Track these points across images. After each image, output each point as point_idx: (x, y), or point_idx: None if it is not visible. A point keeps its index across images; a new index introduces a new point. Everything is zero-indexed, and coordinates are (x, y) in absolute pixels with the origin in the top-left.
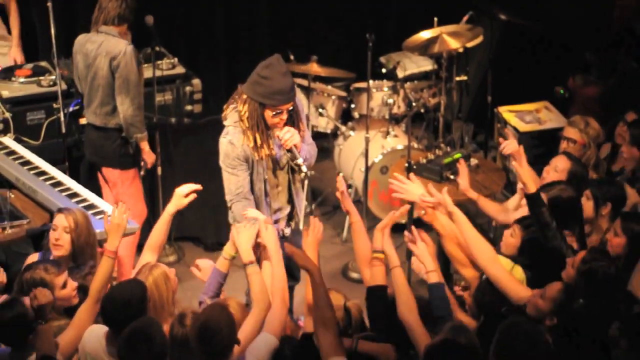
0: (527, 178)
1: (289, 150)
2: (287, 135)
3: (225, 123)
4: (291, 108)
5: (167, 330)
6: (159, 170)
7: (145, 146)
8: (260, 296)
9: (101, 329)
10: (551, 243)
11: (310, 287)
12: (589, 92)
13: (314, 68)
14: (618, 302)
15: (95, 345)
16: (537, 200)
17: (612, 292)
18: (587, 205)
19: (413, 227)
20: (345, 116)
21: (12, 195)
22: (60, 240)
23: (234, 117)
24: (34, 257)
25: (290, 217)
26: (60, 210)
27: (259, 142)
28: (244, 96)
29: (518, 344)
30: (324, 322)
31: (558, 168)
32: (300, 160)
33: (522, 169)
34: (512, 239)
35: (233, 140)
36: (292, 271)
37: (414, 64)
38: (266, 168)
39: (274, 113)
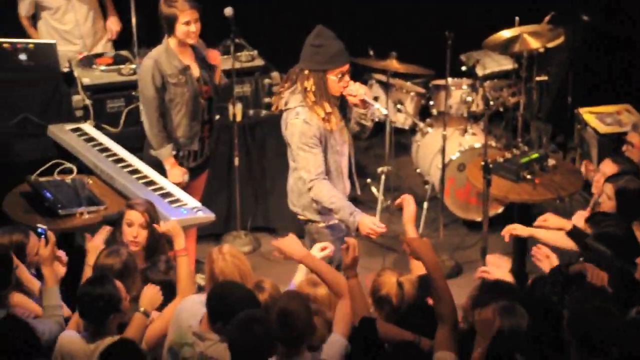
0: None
1: (364, 101)
2: (357, 87)
3: (289, 106)
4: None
5: None
6: (236, 161)
7: (166, 164)
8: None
9: (200, 305)
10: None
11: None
12: None
13: (393, 64)
14: None
15: (187, 319)
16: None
17: None
18: None
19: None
20: (424, 113)
21: (91, 182)
22: (139, 237)
23: (297, 99)
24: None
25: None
26: (130, 206)
27: (328, 109)
28: (306, 72)
29: (591, 318)
30: (440, 316)
31: (607, 173)
32: (377, 105)
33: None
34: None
35: (307, 119)
36: None
37: (495, 63)
38: (338, 140)
39: (338, 77)
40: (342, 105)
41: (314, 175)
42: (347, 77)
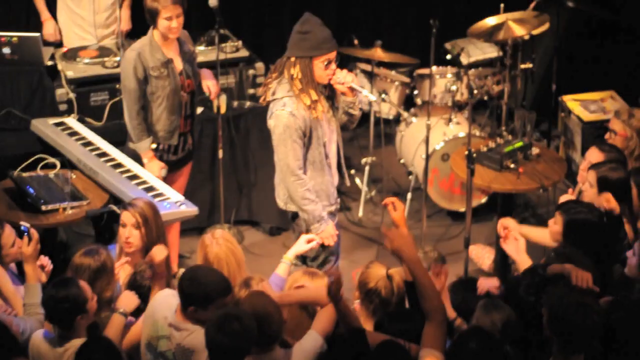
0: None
1: (352, 88)
2: (345, 74)
3: (276, 97)
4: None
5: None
6: (220, 153)
7: (144, 158)
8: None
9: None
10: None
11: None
12: None
13: (378, 53)
14: None
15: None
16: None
17: None
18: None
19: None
20: (408, 102)
21: (74, 176)
22: (131, 238)
23: (284, 88)
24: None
25: (341, 172)
26: (125, 207)
27: (314, 97)
28: (292, 59)
29: (572, 314)
30: (426, 313)
31: (592, 161)
32: (365, 92)
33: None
34: (555, 226)
35: (293, 111)
36: None
37: (479, 51)
38: (325, 131)
39: (324, 64)
40: (331, 95)
41: (294, 170)
42: (333, 65)
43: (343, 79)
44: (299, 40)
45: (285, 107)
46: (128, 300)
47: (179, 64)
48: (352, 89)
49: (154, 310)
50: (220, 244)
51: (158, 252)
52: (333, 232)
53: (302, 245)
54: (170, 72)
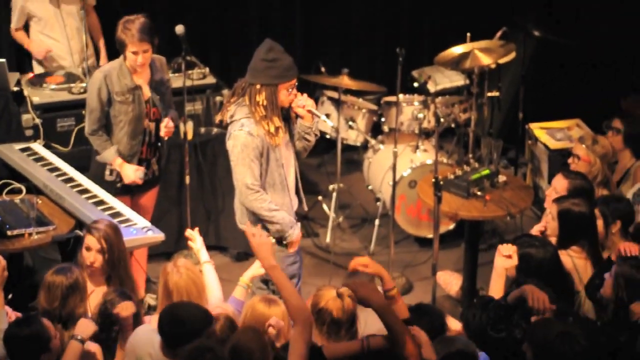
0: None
1: (311, 112)
2: (305, 98)
3: (234, 118)
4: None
5: None
6: (187, 179)
7: (115, 166)
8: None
9: (153, 334)
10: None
11: None
12: None
13: (345, 81)
14: None
15: (145, 346)
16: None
17: None
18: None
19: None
20: (376, 130)
21: (40, 201)
22: (96, 262)
23: (243, 111)
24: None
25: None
26: (89, 230)
27: (278, 123)
28: (257, 86)
29: (556, 343)
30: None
31: (557, 189)
32: (323, 116)
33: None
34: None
35: (251, 131)
36: None
37: (446, 79)
38: (284, 154)
39: (289, 90)
40: (287, 119)
41: (252, 187)
42: (294, 90)
43: (304, 102)
44: (266, 68)
45: (244, 127)
46: (85, 327)
47: (147, 92)
48: (311, 113)
49: (135, 347)
50: (181, 272)
51: (124, 308)
52: (299, 236)
53: (257, 268)
54: (135, 98)
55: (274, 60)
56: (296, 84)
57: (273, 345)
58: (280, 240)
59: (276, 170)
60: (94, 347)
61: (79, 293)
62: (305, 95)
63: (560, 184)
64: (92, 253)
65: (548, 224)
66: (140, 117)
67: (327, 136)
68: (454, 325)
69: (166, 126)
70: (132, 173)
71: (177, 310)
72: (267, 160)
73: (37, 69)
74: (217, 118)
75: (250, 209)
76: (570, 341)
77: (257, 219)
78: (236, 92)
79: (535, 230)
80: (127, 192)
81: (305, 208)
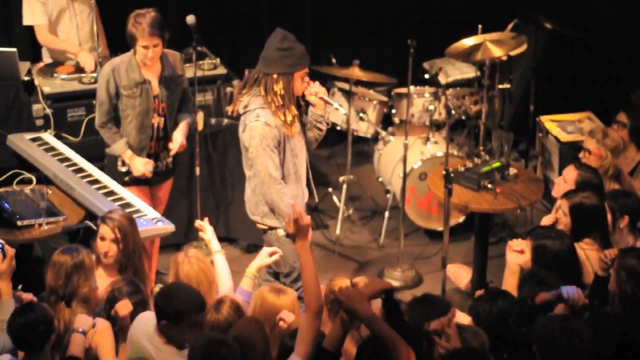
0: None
1: (324, 100)
2: (318, 86)
3: (249, 109)
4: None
5: None
6: (197, 170)
7: (125, 158)
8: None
9: (151, 319)
10: None
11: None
12: None
13: (356, 72)
14: None
15: (142, 333)
16: None
17: None
18: None
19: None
20: (386, 121)
21: (50, 192)
22: (110, 252)
23: (258, 101)
24: None
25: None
26: (104, 220)
27: (294, 112)
28: (274, 76)
29: (558, 337)
30: None
31: (566, 178)
32: (335, 104)
33: None
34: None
35: (268, 121)
36: None
37: (457, 71)
38: (297, 144)
39: (302, 78)
40: (299, 109)
41: (276, 179)
42: (307, 77)
43: (316, 89)
44: (281, 57)
45: (260, 118)
46: (83, 321)
47: (155, 87)
48: (323, 101)
49: (133, 332)
50: (192, 263)
51: (122, 307)
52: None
53: (264, 258)
54: (143, 92)
55: (288, 49)
56: (308, 71)
57: (283, 337)
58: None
59: (291, 160)
60: (104, 324)
61: (83, 273)
62: (317, 82)
63: (570, 175)
64: (106, 243)
65: (559, 220)
66: (148, 112)
67: (338, 127)
68: (463, 319)
69: (174, 145)
70: (142, 166)
71: (173, 287)
72: (283, 151)
73: (47, 59)
74: (229, 109)
75: (268, 201)
76: (572, 336)
77: (271, 211)
78: (248, 82)
79: (546, 221)
80: (144, 183)
81: (316, 199)
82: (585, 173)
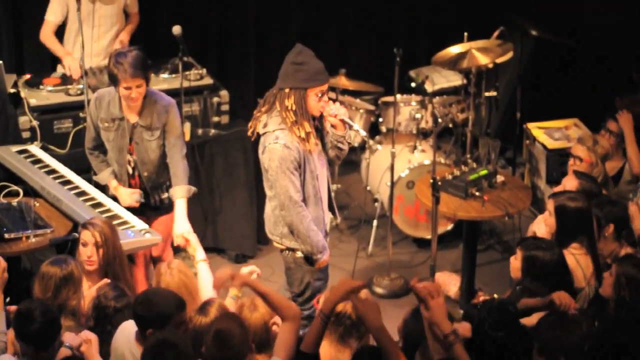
0: None
1: (344, 121)
2: (337, 107)
3: (267, 130)
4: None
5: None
6: None
7: (110, 189)
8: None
9: (133, 327)
10: None
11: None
12: (637, 112)
13: (342, 81)
14: None
15: (124, 343)
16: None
17: None
18: None
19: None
20: (373, 130)
21: (37, 204)
22: (93, 257)
23: (276, 121)
24: None
25: (332, 209)
26: (85, 226)
27: (308, 129)
28: (286, 90)
29: (556, 333)
30: None
31: (567, 187)
32: (356, 126)
33: None
34: (515, 261)
35: (287, 143)
36: None
37: (444, 79)
38: (317, 164)
39: (318, 96)
40: (320, 129)
41: (297, 202)
42: (326, 97)
43: (336, 110)
44: (294, 71)
45: (279, 140)
46: (71, 338)
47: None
48: (343, 122)
49: (115, 341)
50: (173, 274)
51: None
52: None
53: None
54: (120, 129)
55: (302, 64)
56: (326, 90)
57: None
58: (308, 259)
59: (310, 182)
60: (90, 336)
61: (72, 285)
62: (337, 103)
63: (570, 184)
64: (88, 247)
65: (546, 220)
66: (122, 149)
67: (355, 144)
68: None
69: (188, 234)
70: (128, 196)
71: (150, 293)
72: (303, 172)
73: (60, 70)
74: (249, 129)
75: (288, 223)
76: (568, 331)
77: (290, 232)
78: (267, 100)
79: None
80: (141, 214)
81: (338, 219)
82: (586, 182)
